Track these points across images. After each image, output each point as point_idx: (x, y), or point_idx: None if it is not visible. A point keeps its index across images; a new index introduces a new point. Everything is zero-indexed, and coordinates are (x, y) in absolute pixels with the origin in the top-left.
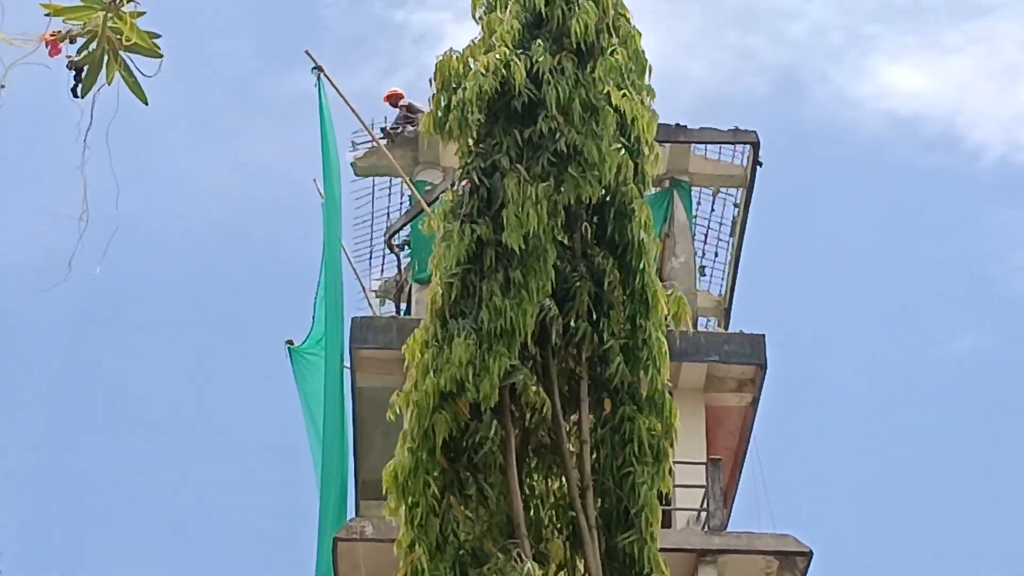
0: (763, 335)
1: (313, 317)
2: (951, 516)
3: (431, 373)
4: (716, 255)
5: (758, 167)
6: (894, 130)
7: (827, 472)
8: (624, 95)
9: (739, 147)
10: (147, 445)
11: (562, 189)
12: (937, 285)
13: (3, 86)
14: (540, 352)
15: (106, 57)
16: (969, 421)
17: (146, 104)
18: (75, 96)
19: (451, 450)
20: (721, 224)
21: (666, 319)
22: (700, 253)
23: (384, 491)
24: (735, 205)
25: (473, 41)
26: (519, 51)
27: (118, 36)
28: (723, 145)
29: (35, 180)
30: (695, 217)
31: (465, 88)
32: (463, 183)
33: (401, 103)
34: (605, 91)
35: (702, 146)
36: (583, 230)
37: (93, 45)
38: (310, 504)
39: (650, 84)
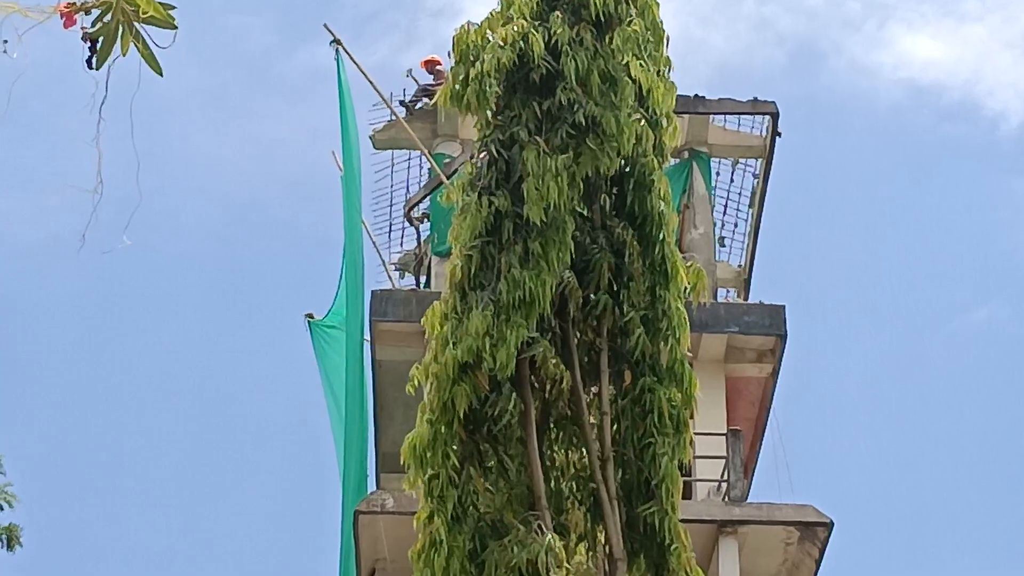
0: (783, 306)
1: (337, 291)
2: (970, 485)
3: (450, 345)
4: (736, 226)
5: (777, 137)
6: (912, 99)
7: (847, 442)
8: (641, 66)
9: (758, 118)
10: (165, 421)
11: (580, 161)
12: (955, 255)
13: (6, 51)
14: (560, 324)
15: (121, 29)
16: (987, 391)
17: (160, 75)
18: (90, 68)
19: (470, 422)
20: (740, 195)
21: (685, 291)
22: (719, 224)
23: (403, 463)
24: (754, 176)
25: (492, 13)
26: (537, 23)
27: (133, 8)
28: (742, 116)
29: (50, 154)
30: (714, 188)
31: (483, 61)
32: (481, 155)
33: (438, 68)
34: (623, 62)
35: (721, 117)
36: (602, 201)
37: (108, 17)
38: (331, 479)
39: (668, 55)
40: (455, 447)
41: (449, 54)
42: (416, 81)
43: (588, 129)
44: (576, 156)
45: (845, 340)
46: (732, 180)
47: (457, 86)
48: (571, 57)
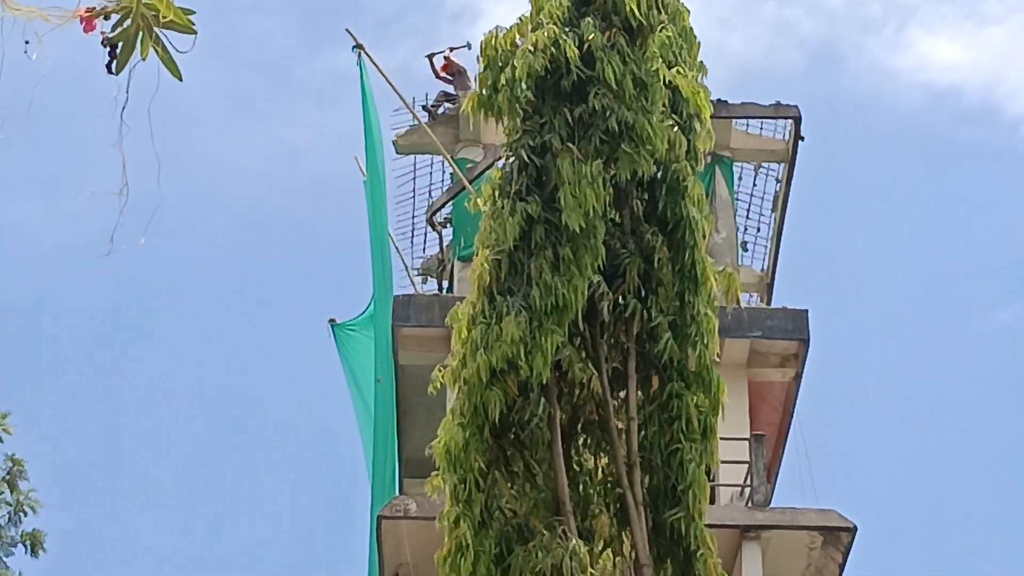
0: (806, 310)
1: (372, 295)
2: (995, 488)
3: (481, 350)
4: (758, 230)
5: (800, 142)
6: (932, 102)
7: (870, 446)
8: (679, 72)
9: (780, 122)
10: (188, 426)
11: (617, 167)
12: (976, 257)
13: (27, 53)
14: (588, 328)
15: (140, 33)
16: (1011, 392)
17: (180, 80)
18: (110, 72)
19: (496, 426)
20: (763, 199)
21: (715, 295)
22: (742, 228)
23: (436, 467)
24: (777, 180)
25: (521, 18)
26: (568, 28)
27: (153, 13)
28: (765, 120)
29: (72, 158)
30: (737, 192)
31: (514, 66)
32: (511, 160)
33: (456, 68)
34: (655, 68)
35: (744, 121)
36: (633, 206)
37: (128, 21)
38: (354, 482)
39: (701, 60)
40: (483, 451)
41: (477, 59)
42: (436, 73)
43: (622, 134)
44: (611, 162)
45: (868, 344)
46: (755, 184)
47: (486, 92)
48: (606, 62)
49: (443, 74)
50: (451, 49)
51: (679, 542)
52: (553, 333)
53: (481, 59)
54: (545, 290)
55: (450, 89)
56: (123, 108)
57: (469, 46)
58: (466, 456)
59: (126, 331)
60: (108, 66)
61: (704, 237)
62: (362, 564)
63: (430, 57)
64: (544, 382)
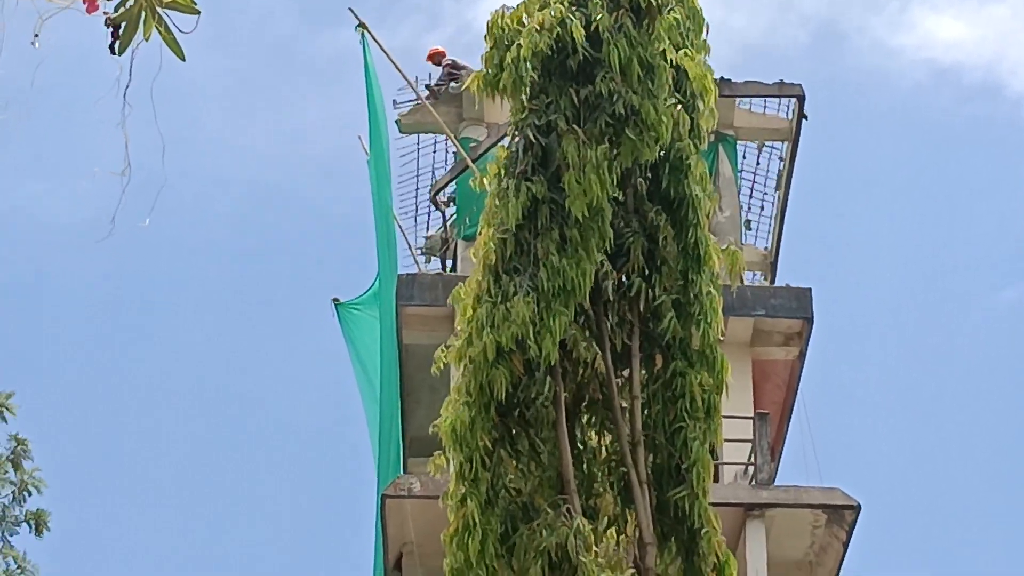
0: (809, 289)
1: (377, 274)
2: (998, 467)
3: (488, 329)
4: (762, 209)
5: (804, 120)
6: (935, 80)
7: (874, 425)
8: (686, 54)
9: (784, 100)
10: (191, 406)
11: (620, 152)
12: (981, 236)
13: (35, 43)
14: (592, 308)
15: (143, 13)
16: (1015, 372)
17: (183, 60)
18: (113, 53)
19: (501, 405)
20: (767, 178)
21: (719, 274)
22: (746, 207)
23: (441, 446)
24: (780, 159)
25: None
26: (574, 8)
27: None
28: (768, 99)
29: (75, 139)
30: (740, 171)
31: (520, 45)
32: (516, 140)
33: (444, 61)
34: (661, 49)
35: (747, 100)
36: (637, 186)
37: (131, 2)
38: (359, 463)
39: (706, 40)
40: (488, 430)
41: (485, 38)
42: (441, 63)
43: (627, 119)
44: (616, 146)
45: (872, 322)
46: (758, 163)
47: (491, 71)
48: (613, 45)
49: (430, 63)
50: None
51: (683, 520)
52: (561, 314)
53: (487, 38)
54: (553, 272)
55: (459, 60)
56: (126, 89)
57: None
58: (472, 435)
59: (129, 313)
60: (111, 47)
61: (707, 216)
62: (367, 566)
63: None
64: (552, 363)
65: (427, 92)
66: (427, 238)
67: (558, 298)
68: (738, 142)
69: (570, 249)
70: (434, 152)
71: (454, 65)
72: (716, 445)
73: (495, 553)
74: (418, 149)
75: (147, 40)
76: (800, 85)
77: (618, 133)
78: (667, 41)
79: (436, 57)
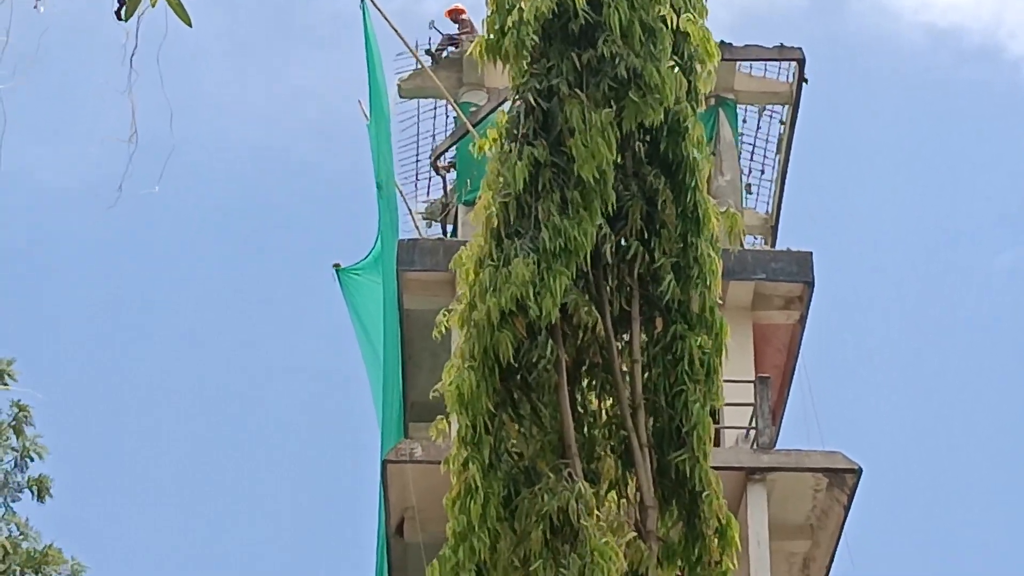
0: (810, 252)
1: (376, 238)
2: (999, 430)
3: (490, 292)
4: (762, 173)
5: (804, 84)
6: (934, 42)
7: (875, 389)
8: (689, 18)
9: (784, 64)
10: (193, 366)
11: (624, 115)
12: (980, 198)
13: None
14: (591, 271)
15: None
16: (1015, 334)
17: (190, 26)
18: (119, 19)
19: (502, 369)
20: (767, 142)
21: (718, 237)
22: (746, 171)
23: (446, 410)
24: (781, 122)
25: None
26: None
27: None
28: (768, 62)
29: (82, 105)
30: (741, 135)
31: (521, 9)
32: (517, 104)
33: (463, 17)
34: (660, 13)
35: (747, 63)
36: (636, 149)
37: None
38: (360, 427)
39: (705, 4)
40: (492, 394)
41: (487, 2)
42: (439, 32)
43: (630, 82)
44: (619, 110)
45: (873, 286)
46: (758, 127)
47: (493, 36)
48: (614, 8)
49: (448, 18)
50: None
51: (684, 483)
52: (562, 275)
53: (489, 2)
54: (554, 232)
55: (454, 29)
56: (132, 54)
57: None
58: (477, 399)
59: (131, 273)
60: (117, 12)
61: (706, 179)
62: (368, 566)
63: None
64: (553, 322)
65: (427, 57)
66: (428, 203)
67: (559, 258)
68: (738, 106)
69: (572, 210)
70: (434, 117)
71: (469, 26)
72: (717, 408)
73: (497, 517)
74: (418, 114)
75: (153, 6)
76: (800, 48)
77: (620, 96)
78: (667, 4)
79: (454, 14)
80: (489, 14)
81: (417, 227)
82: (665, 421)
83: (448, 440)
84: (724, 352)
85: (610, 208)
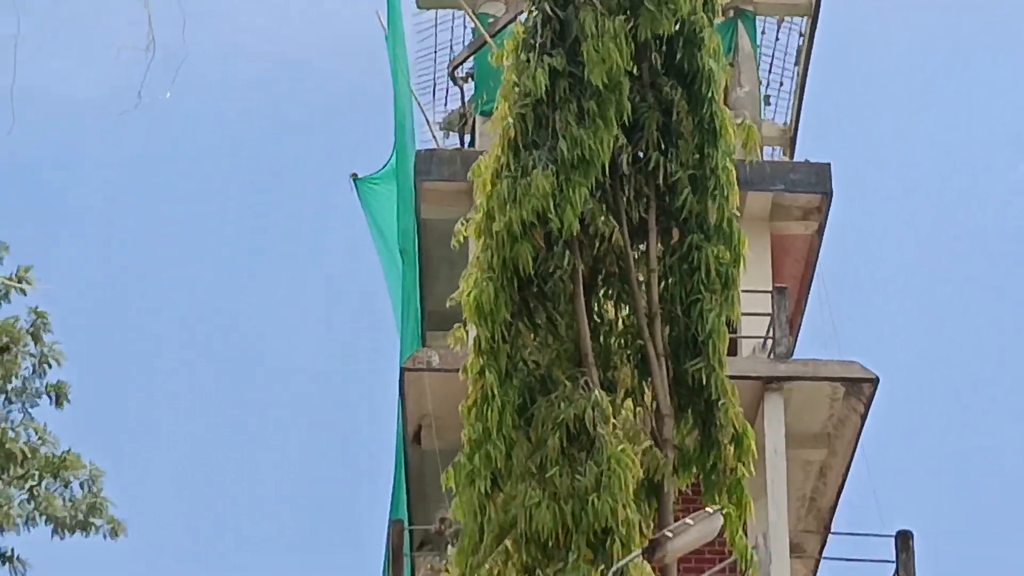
0: (828, 163)
1: (393, 149)
2: (1015, 340)
3: (509, 204)
4: (781, 84)
5: None
6: None
7: (892, 300)
8: None
9: None
10: (210, 278)
11: (639, 23)
12: (999, 110)
13: None
14: (609, 182)
15: None
16: None
17: None
18: None
19: (520, 279)
20: (786, 53)
21: (735, 148)
22: (765, 82)
23: (464, 320)
24: (800, 34)
25: None
26: None
27: None
28: None
29: (98, 14)
30: (759, 46)
31: None
32: (533, 14)
33: None
34: None
35: None
36: (652, 60)
37: None
38: (381, 338)
39: None
40: (509, 303)
41: None
42: None
43: None
44: (633, 18)
45: (891, 197)
46: (777, 38)
47: None
48: None
49: None
50: None
51: (700, 392)
52: (581, 186)
53: None
54: (572, 143)
55: None
56: None
57: None
58: (495, 309)
59: (149, 184)
60: None
61: (722, 90)
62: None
63: None
64: (573, 234)
65: None
66: (446, 114)
67: (577, 170)
68: (757, 17)
69: (588, 120)
70: (452, 28)
71: None
72: (733, 317)
73: (513, 424)
74: (436, 25)
75: None
76: None
77: (636, 5)
78: None
79: None
80: None
81: (435, 137)
82: (681, 330)
83: (465, 348)
84: (742, 262)
85: (626, 119)
